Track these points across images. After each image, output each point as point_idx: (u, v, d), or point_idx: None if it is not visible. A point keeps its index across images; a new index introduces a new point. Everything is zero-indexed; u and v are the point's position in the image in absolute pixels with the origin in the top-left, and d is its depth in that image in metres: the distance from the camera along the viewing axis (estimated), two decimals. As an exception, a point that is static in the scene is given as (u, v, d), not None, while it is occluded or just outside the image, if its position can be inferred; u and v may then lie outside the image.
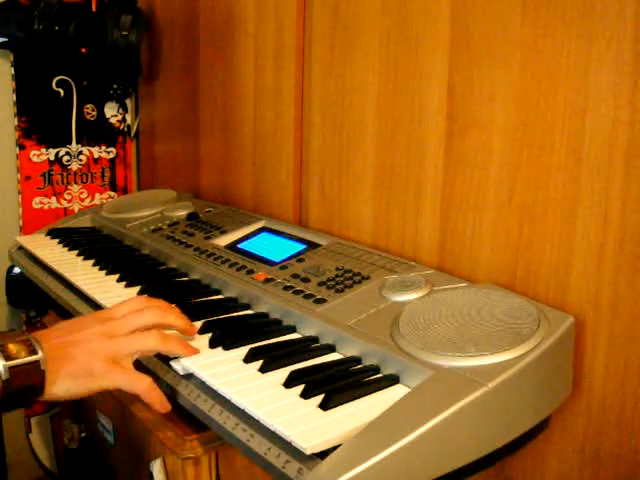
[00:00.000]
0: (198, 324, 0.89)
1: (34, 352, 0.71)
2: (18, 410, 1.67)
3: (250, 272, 1.04)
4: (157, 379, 0.84)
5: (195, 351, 0.82)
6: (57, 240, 1.35)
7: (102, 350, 0.75)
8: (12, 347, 0.70)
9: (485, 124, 0.91)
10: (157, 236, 1.28)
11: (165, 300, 0.90)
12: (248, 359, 0.80)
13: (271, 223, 1.23)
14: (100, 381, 0.75)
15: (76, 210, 1.75)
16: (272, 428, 0.65)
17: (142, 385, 0.76)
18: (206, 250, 1.15)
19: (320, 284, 0.95)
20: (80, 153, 1.75)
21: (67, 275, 1.14)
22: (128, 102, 1.81)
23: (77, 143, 1.74)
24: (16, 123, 1.66)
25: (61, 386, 0.73)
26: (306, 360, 0.80)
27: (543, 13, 0.82)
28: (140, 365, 0.80)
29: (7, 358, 0.69)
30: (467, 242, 0.95)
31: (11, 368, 0.69)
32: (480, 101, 0.91)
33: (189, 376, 0.80)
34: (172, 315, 0.84)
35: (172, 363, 0.81)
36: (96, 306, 1.02)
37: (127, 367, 0.77)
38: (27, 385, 0.70)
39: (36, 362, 0.70)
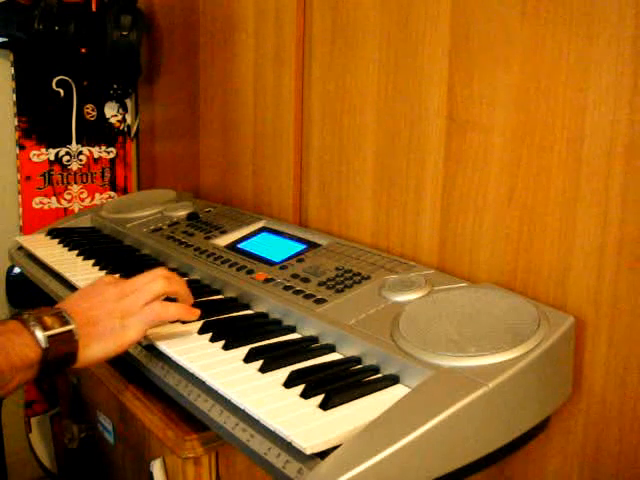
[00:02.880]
0: (198, 324, 0.89)
1: (66, 323, 0.77)
2: (18, 410, 1.68)
3: (250, 272, 1.04)
4: (157, 380, 0.84)
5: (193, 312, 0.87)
6: (57, 240, 1.35)
7: (118, 309, 0.82)
8: (47, 319, 0.76)
9: (485, 124, 0.91)
10: (157, 236, 1.28)
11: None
12: (248, 359, 0.80)
13: (271, 223, 1.23)
14: (128, 333, 0.81)
15: (76, 210, 1.75)
16: (272, 428, 0.65)
17: (169, 310, 0.84)
18: (206, 250, 1.15)
19: (320, 284, 0.95)
20: (80, 153, 1.75)
21: (67, 275, 1.14)
22: (128, 102, 1.81)
23: (77, 143, 1.74)
24: (16, 123, 1.66)
25: (93, 350, 0.79)
26: (306, 360, 0.80)
27: (543, 13, 0.82)
28: (139, 366, 0.80)
29: (44, 329, 0.75)
30: (467, 242, 0.95)
31: (49, 337, 0.75)
32: (480, 101, 0.91)
33: (185, 372, 0.80)
34: (182, 286, 0.89)
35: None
36: (96, 306, 1.02)
37: (141, 309, 0.83)
38: (63, 353, 0.76)
39: (70, 331, 0.77)
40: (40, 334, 0.74)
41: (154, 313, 0.83)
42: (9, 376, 0.72)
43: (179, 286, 0.88)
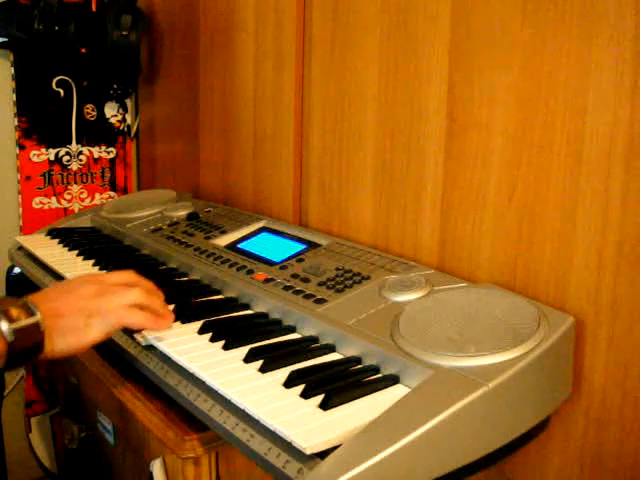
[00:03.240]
0: (198, 324, 0.89)
1: (32, 314, 0.77)
2: (18, 410, 1.68)
3: (250, 272, 1.04)
4: (157, 380, 0.84)
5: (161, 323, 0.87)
6: (57, 240, 1.35)
7: (87, 307, 0.82)
8: (13, 311, 0.76)
9: (485, 124, 0.91)
10: (157, 236, 1.28)
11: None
12: (248, 359, 0.80)
13: (271, 223, 1.23)
14: (90, 333, 0.81)
15: (76, 210, 1.75)
16: (272, 428, 0.65)
17: (133, 317, 0.83)
18: (206, 250, 1.15)
19: (320, 284, 0.95)
20: (80, 153, 1.75)
21: (67, 275, 1.14)
22: (128, 102, 1.81)
23: (77, 143, 1.74)
24: (16, 123, 1.66)
25: (57, 343, 0.79)
26: (306, 360, 0.80)
27: (543, 13, 0.82)
28: (139, 366, 0.80)
29: (10, 321, 0.75)
30: (467, 242, 0.95)
31: (15, 330, 0.75)
32: (480, 101, 0.91)
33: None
34: (157, 300, 0.89)
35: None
36: (96, 306, 1.02)
37: (108, 311, 0.82)
38: (29, 346, 0.77)
39: (36, 323, 0.77)
40: (5, 327, 0.74)
41: (118, 317, 0.83)
42: None
43: (156, 301, 0.87)
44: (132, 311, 0.84)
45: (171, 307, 0.93)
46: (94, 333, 0.81)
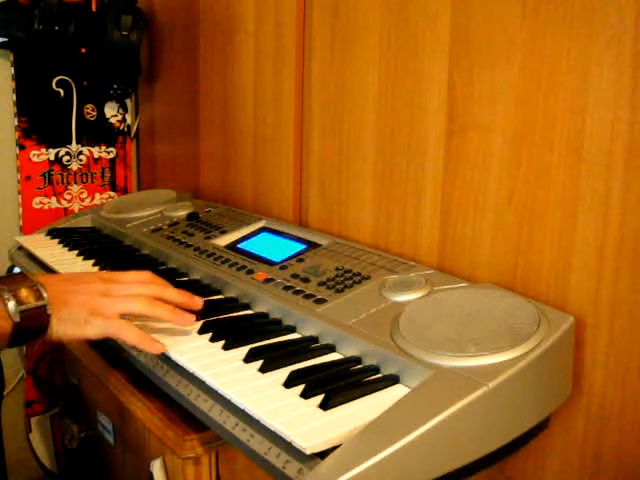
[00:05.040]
0: (198, 324, 0.89)
1: (41, 297, 0.79)
2: (18, 410, 1.68)
3: (250, 272, 1.04)
4: (158, 379, 0.84)
5: (186, 319, 0.85)
6: (57, 240, 1.35)
7: (92, 303, 0.82)
8: (22, 292, 0.78)
9: (485, 124, 0.91)
10: (157, 236, 1.28)
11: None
12: (248, 359, 0.80)
13: (271, 223, 1.23)
14: (87, 329, 0.82)
15: (76, 210, 1.75)
16: (272, 428, 0.65)
17: (129, 332, 0.82)
18: (206, 250, 1.15)
19: (320, 284, 0.95)
20: (80, 153, 1.75)
21: (67, 275, 1.13)
22: (128, 102, 1.81)
23: (77, 143, 1.74)
24: (16, 123, 1.66)
25: (58, 329, 0.80)
26: (306, 360, 0.80)
27: (543, 13, 0.82)
28: (139, 366, 0.81)
29: (18, 302, 0.77)
30: (467, 242, 0.95)
31: (22, 312, 0.77)
32: (480, 101, 0.91)
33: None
34: (172, 290, 0.88)
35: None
36: (96, 306, 1.02)
37: (114, 317, 0.83)
38: (35, 327, 0.79)
39: (43, 306, 0.79)
40: (13, 307, 0.76)
41: (115, 328, 0.82)
42: None
43: (160, 312, 0.86)
44: (130, 329, 0.82)
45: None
46: (90, 331, 0.82)
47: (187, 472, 0.82)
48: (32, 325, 0.78)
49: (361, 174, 1.12)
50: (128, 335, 0.82)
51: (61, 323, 0.80)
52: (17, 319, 0.76)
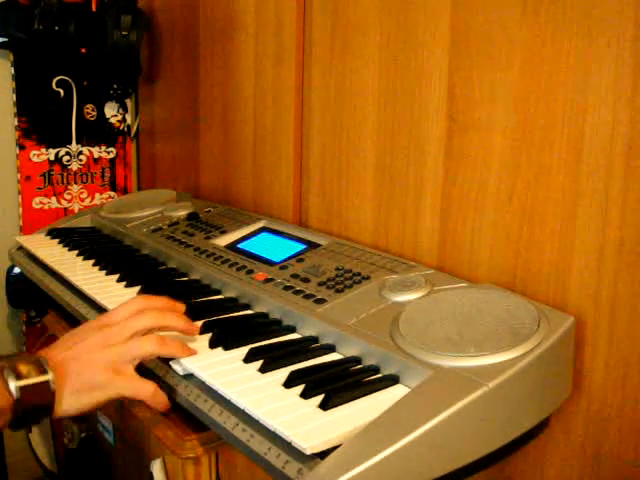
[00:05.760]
0: (198, 324, 0.89)
1: (44, 372, 0.72)
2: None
3: (250, 272, 1.04)
4: (157, 380, 0.84)
5: (193, 352, 0.82)
6: (57, 240, 1.35)
7: (102, 360, 0.76)
8: (22, 367, 0.72)
9: (485, 124, 0.91)
10: (157, 236, 1.28)
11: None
12: (248, 359, 0.80)
13: (271, 223, 1.23)
14: (105, 392, 0.76)
15: (76, 210, 1.75)
16: (272, 428, 0.65)
17: (147, 391, 0.77)
18: (206, 250, 1.15)
19: (320, 284, 0.95)
20: (80, 153, 1.75)
21: (67, 275, 1.14)
22: (128, 102, 1.81)
23: (77, 143, 1.74)
24: (16, 123, 1.66)
25: (69, 403, 0.74)
26: (306, 360, 0.80)
27: (543, 13, 0.82)
28: (140, 366, 0.80)
29: (18, 378, 0.71)
30: (467, 242, 0.95)
31: (22, 388, 0.71)
32: (480, 101, 0.91)
33: (189, 376, 0.80)
34: (170, 316, 0.84)
35: (172, 364, 0.81)
36: (96, 306, 1.02)
37: (129, 374, 0.77)
38: (37, 404, 0.72)
39: (46, 382, 0.72)
40: (12, 383, 0.70)
41: (130, 389, 0.77)
42: None
43: (174, 351, 0.81)
44: (142, 384, 0.77)
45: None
46: (113, 392, 0.76)
47: (187, 472, 0.82)
48: (33, 403, 0.71)
49: (361, 174, 1.12)
50: (141, 393, 0.77)
51: (71, 396, 0.74)
52: (17, 395, 0.70)
